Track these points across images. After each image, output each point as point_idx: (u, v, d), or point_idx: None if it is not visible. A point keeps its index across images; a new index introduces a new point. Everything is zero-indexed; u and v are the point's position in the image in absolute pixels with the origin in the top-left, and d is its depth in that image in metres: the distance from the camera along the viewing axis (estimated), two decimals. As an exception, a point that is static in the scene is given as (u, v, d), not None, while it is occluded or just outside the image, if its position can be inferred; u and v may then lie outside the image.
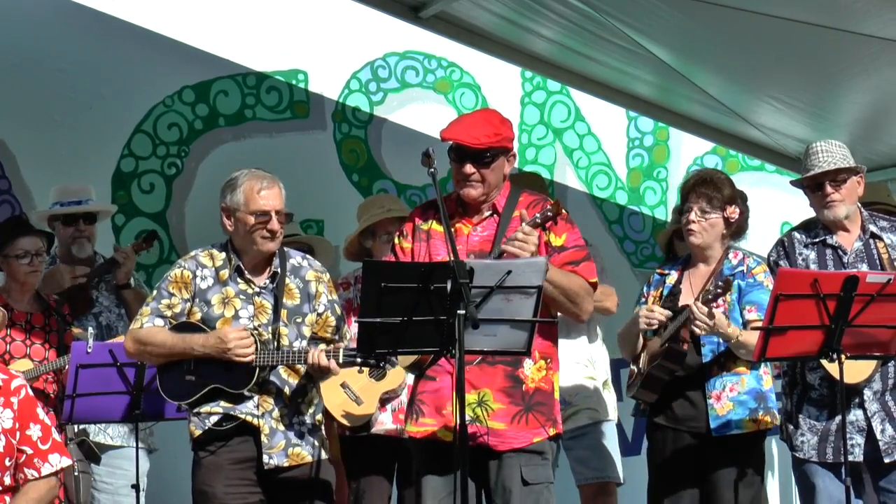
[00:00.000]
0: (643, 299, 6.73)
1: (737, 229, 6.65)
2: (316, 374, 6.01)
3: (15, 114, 9.11)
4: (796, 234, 6.81)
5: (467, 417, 5.64)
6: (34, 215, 8.16)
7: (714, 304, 6.38)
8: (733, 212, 6.56)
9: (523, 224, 5.76)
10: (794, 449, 6.69)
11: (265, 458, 5.97)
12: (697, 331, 6.32)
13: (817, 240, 6.72)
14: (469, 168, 5.88)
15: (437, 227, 5.98)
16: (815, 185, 6.67)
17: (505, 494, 5.80)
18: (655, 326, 6.44)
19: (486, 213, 5.97)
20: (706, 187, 6.54)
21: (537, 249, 5.75)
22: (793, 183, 6.93)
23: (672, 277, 6.65)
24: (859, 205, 6.77)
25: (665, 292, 6.61)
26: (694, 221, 6.54)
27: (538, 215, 5.80)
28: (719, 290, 6.28)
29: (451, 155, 5.93)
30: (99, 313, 7.78)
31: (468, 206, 5.98)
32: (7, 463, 5.50)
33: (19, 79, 9.12)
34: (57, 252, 7.94)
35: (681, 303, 6.51)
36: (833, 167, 6.61)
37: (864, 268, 6.52)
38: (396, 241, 6.10)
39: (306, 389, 6.10)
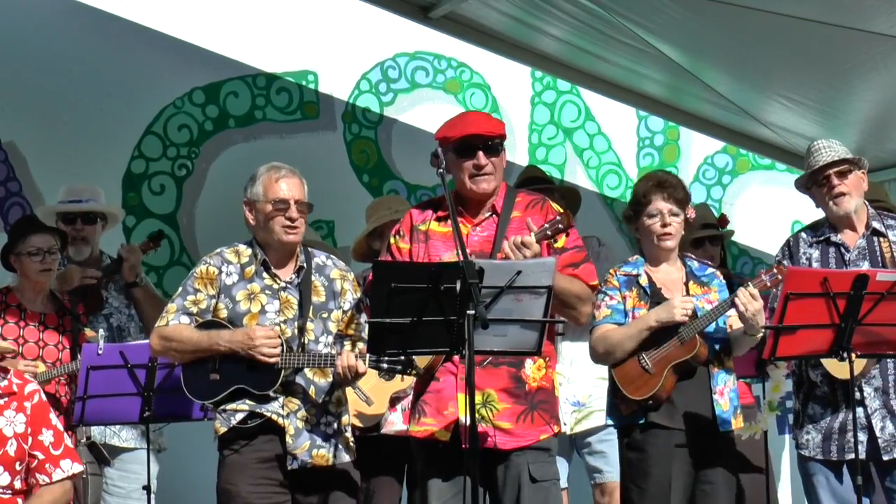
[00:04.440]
0: (612, 301, 6.49)
1: (691, 228, 6.67)
2: (343, 382, 6.01)
3: (25, 116, 9.14)
4: (802, 234, 6.82)
5: (473, 419, 5.70)
6: (39, 211, 8.17)
7: (707, 301, 6.39)
8: (692, 212, 6.56)
9: (532, 234, 5.73)
10: (799, 447, 6.70)
11: (289, 459, 5.95)
12: (746, 314, 6.25)
13: (821, 238, 6.72)
14: (483, 158, 5.87)
15: (435, 227, 5.97)
16: (822, 180, 6.66)
17: (514, 492, 5.79)
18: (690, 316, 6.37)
19: (486, 214, 5.95)
20: (671, 189, 6.48)
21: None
22: (797, 183, 6.91)
23: (643, 277, 6.51)
24: (866, 202, 6.77)
25: (648, 291, 6.48)
26: (669, 224, 6.49)
27: (547, 227, 5.76)
28: (778, 278, 6.24)
29: (459, 151, 5.87)
30: (109, 315, 7.75)
31: (468, 206, 5.96)
32: (18, 467, 5.52)
33: (29, 81, 9.15)
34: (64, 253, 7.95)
35: (668, 298, 6.45)
36: (837, 157, 6.62)
37: (866, 265, 6.51)
38: (392, 240, 6.05)
39: (333, 390, 6.09)
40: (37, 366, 7.09)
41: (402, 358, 5.83)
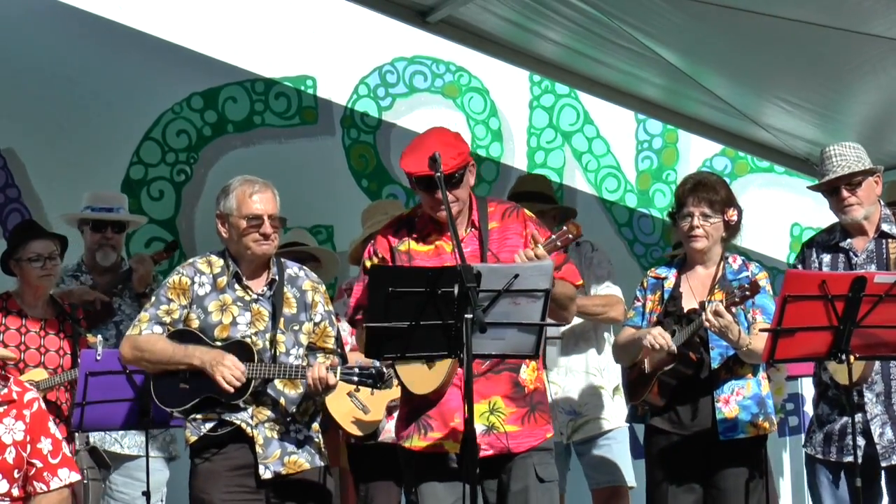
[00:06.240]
0: (638, 303, 6.66)
1: (733, 231, 6.62)
2: (314, 393, 5.99)
3: (24, 122, 9.15)
4: (817, 238, 6.85)
5: (482, 427, 5.73)
6: (64, 217, 8.20)
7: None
8: (732, 214, 6.53)
9: (538, 246, 5.70)
10: (805, 444, 6.74)
11: (261, 468, 5.95)
12: (714, 331, 6.27)
13: (832, 242, 6.73)
14: (440, 194, 5.73)
15: (416, 247, 5.94)
16: (832, 190, 6.67)
17: (521, 493, 5.81)
18: (657, 350, 6.38)
19: (467, 230, 5.92)
20: (704, 191, 6.49)
21: None
22: (810, 188, 6.93)
23: (670, 281, 6.59)
24: (882, 203, 6.77)
25: (665, 296, 6.57)
26: (697, 227, 6.50)
27: (555, 238, 5.74)
28: (747, 294, 6.25)
29: (420, 185, 5.79)
30: (120, 322, 7.76)
31: (441, 225, 5.89)
32: (16, 475, 5.52)
33: (28, 87, 9.16)
34: (84, 258, 7.98)
35: (683, 306, 6.49)
36: (846, 171, 6.60)
37: (873, 269, 6.51)
38: (369, 263, 5.92)
39: (303, 399, 6.09)
40: (34, 380, 7.08)
41: (373, 370, 5.86)
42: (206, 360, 5.89)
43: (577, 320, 7.29)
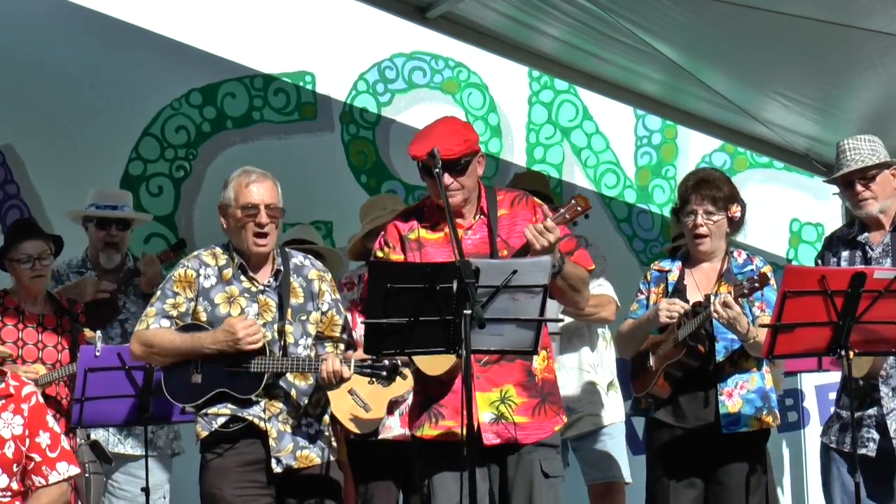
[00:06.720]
0: (641, 296, 6.67)
1: (737, 226, 6.62)
2: (326, 385, 5.98)
3: (23, 119, 9.13)
4: (838, 233, 6.88)
5: (492, 416, 5.77)
6: (69, 214, 8.19)
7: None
8: (736, 210, 6.53)
9: (547, 220, 5.72)
10: (822, 434, 6.74)
11: (273, 462, 5.94)
12: (722, 322, 6.27)
13: (850, 237, 6.74)
14: (447, 179, 5.79)
15: (426, 234, 5.97)
16: (847, 184, 6.66)
17: (526, 487, 5.82)
18: (675, 319, 6.38)
19: (477, 217, 5.95)
20: (707, 188, 6.49)
21: (557, 245, 5.71)
22: (826, 181, 6.93)
23: (674, 274, 6.60)
24: None
25: (669, 288, 6.57)
26: (701, 225, 6.48)
27: (563, 211, 5.76)
28: (755, 286, 6.25)
29: (425, 171, 5.84)
30: (125, 320, 7.76)
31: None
32: (15, 469, 5.53)
33: (27, 84, 9.14)
34: (88, 254, 7.98)
35: (689, 298, 6.48)
36: (860, 165, 6.60)
37: (888, 262, 6.53)
38: (381, 254, 5.98)
39: (313, 391, 6.08)
40: (37, 371, 7.10)
41: (387, 363, 5.84)
42: (220, 343, 5.87)
43: (569, 318, 7.30)
